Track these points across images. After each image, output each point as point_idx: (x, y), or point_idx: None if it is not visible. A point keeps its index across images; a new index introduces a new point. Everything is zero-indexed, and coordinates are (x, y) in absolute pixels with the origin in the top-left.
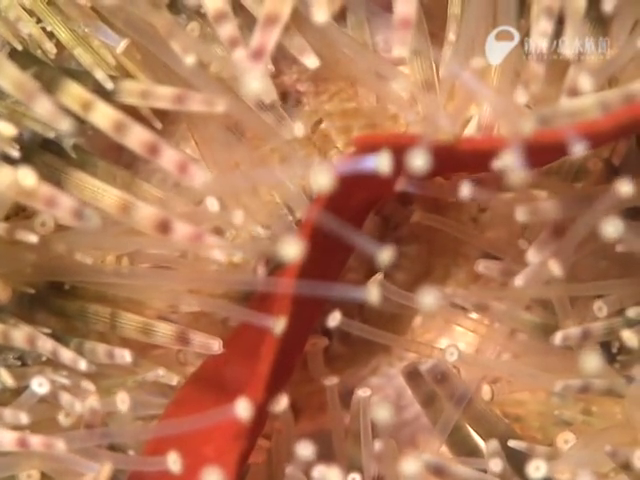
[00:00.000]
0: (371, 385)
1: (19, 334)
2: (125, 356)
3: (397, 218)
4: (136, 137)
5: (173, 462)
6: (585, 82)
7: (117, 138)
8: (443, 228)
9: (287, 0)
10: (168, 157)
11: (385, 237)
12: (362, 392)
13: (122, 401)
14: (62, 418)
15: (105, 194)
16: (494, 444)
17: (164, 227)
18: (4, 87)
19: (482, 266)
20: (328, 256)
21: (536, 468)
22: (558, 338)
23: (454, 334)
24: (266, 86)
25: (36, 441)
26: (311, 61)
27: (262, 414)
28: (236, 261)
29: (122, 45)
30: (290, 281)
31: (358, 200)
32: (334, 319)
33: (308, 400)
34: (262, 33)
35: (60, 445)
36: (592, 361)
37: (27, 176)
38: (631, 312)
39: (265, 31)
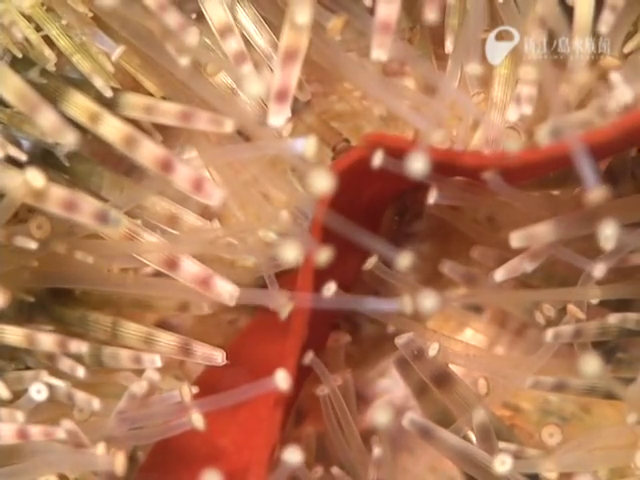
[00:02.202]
0: (379, 387)
1: (48, 338)
2: (155, 361)
3: (412, 213)
4: (148, 152)
5: (197, 420)
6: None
7: (127, 152)
8: (456, 224)
9: (305, 32)
10: (182, 174)
11: (399, 232)
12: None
13: (185, 394)
14: (76, 413)
15: None
16: (481, 413)
17: (171, 265)
18: (7, 98)
19: (477, 253)
20: (342, 254)
21: (502, 462)
22: (549, 335)
23: (465, 334)
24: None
25: (36, 431)
26: (303, 95)
27: (290, 403)
28: (248, 265)
29: (118, 52)
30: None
31: (371, 195)
32: (329, 289)
33: (313, 402)
34: (283, 71)
35: (60, 433)
36: (591, 364)
37: (36, 177)
38: (612, 319)
39: (286, 68)
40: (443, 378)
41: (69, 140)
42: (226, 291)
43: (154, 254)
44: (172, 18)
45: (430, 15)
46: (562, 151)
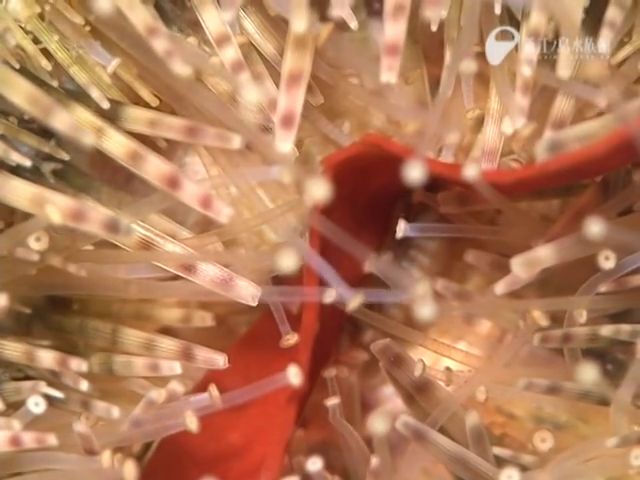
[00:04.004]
0: (381, 394)
1: (48, 355)
2: (175, 368)
3: (417, 210)
4: (154, 169)
5: (190, 422)
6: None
7: (132, 168)
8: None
9: (308, 53)
10: (190, 191)
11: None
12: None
13: (215, 396)
14: (83, 420)
15: None
16: (474, 416)
17: (189, 269)
18: (18, 103)
19: (471, 256)
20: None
21: (508, 477)
22: (537, 339)
23: (468, 339)
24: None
25: (28, 438)
26: (314, 99)
27: (304, 399)
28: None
29: (113, 64)
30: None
31: (374, 190)
32: (330, 296)
33: (317, 409)
34: (287, 95)
35: (52, 440)
36: (588, 372)
37: (54, 213)
38: (605, 330)
39: (290, 93)
40: (423, 385)
41: (87, 141)
42: (248, 292)
43: (170, 260)
44: (160, 44)
45: (429, 14)
46: (560, 166)
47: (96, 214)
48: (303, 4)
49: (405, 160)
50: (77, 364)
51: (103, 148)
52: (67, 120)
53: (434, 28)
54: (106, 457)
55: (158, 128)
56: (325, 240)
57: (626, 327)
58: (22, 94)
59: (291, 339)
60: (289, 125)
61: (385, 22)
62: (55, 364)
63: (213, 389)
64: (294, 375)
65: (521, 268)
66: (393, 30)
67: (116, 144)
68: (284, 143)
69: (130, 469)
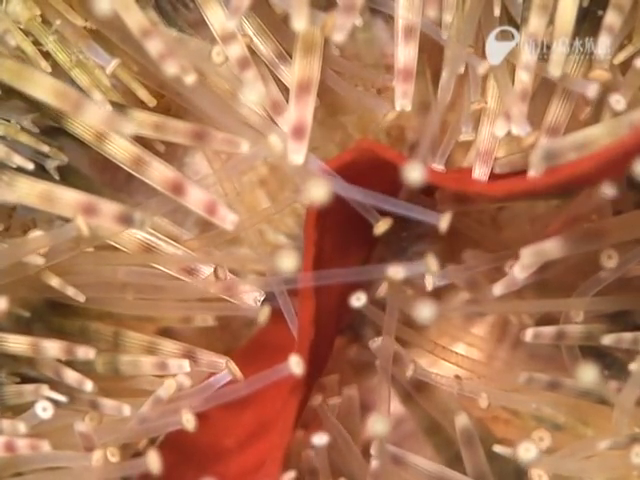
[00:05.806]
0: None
1: (54, 345)
2: (184, 366)
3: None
4: (158, 174)
5: (187, 421)
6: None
7: (136, 173)
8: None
9: (317, 58)
10: (195, 197)
11: (409, 234)
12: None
13: (234, 370)
14: (86, 420)
15: (125, 233)
16: (464, 418)
17: (191, 273)
18: (44, 99)
19: (468, 256)
20: (345, 250)
21: (526, 449)
22: (529, 335)
23: (469, 340)
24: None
25: (22, 444)
26: None
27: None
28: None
29: (112, 65)
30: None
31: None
32: (359, 299)
33: (316, 412)
34: (297, 106)
35: (45, 446)
36: (588, 373)
37: (82, 225)
38: (607, 339)
39: (300, 103)
40: (422, 383)
41: (127, 131)
42: (250, 296)
43: (173, 263)
44: (155, 46)
45: (431, 13)
46: (555, 180)
47: (108, 207)
48: (304, 2)
49: (398, 167)
50: (84, 352)
51: (106, 153)
52: (99, 114)
53: (444, 36)
54: (98, 456)
55: (163, 132)
56: (321, 241)
57: (628, 335)
58: (47, 89)
59: None
60: (301, 136)
61: (396, 46)
62: (62, 353)
63: (230, 363)
64: (296, 364)
65: (530, 258)
66: (405, 55)
67: (120, 149)
68: (297, 155)
69: (154, 459)
